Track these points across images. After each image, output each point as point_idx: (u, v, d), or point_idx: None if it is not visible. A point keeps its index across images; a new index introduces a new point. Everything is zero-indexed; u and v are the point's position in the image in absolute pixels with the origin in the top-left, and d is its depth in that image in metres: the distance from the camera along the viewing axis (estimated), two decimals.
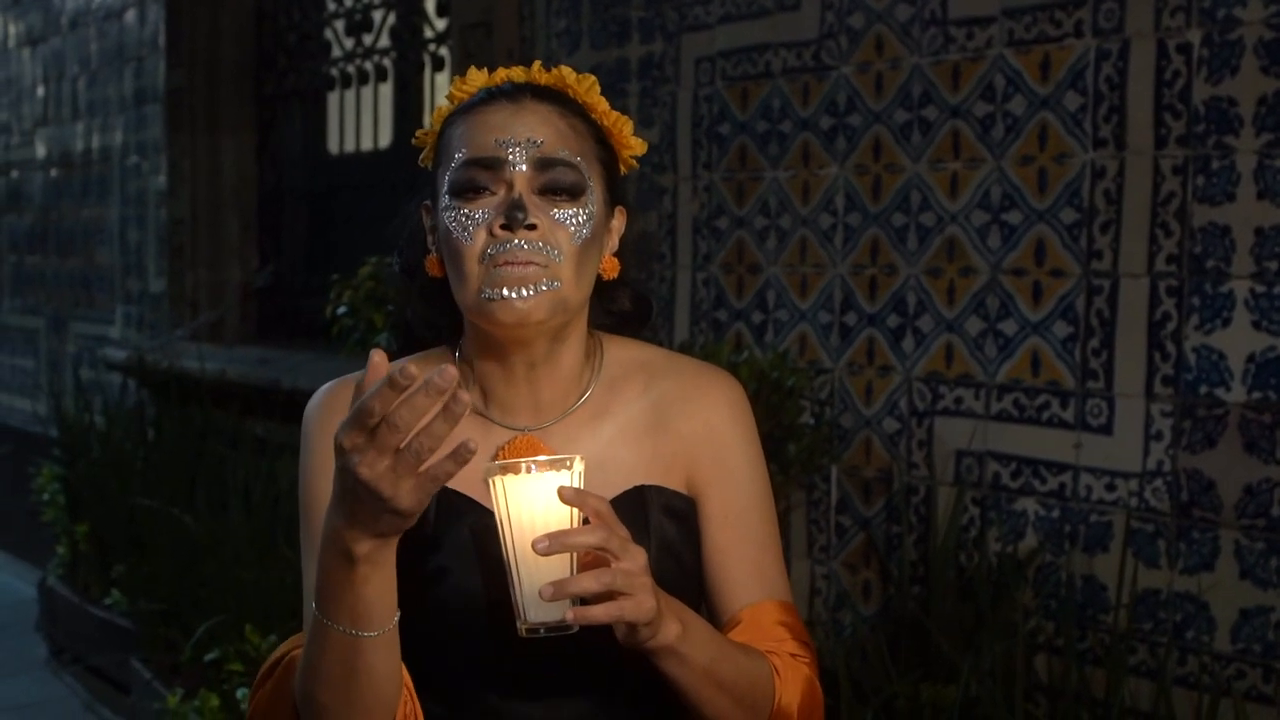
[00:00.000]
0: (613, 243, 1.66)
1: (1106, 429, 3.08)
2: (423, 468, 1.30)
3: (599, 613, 1.37)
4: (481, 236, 1.54)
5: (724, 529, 1.64)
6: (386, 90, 5.87)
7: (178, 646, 4.68)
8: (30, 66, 7.98)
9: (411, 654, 1.54)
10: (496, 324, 1.54)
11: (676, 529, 1.62)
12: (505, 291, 1.51)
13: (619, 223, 1.67)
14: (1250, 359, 2.85)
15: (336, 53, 6.17)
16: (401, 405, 1.27)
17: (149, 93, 6.77)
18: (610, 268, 1.65)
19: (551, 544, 1.36)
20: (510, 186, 1.55)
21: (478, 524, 1.57)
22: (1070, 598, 3.10)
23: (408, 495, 1.31)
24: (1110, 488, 3.08)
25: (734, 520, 1.64)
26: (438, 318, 1.68)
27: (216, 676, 4.06)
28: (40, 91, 7.87)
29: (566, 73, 1.65)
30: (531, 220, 1.53)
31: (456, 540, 1.58)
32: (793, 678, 1.59)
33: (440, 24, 5.48)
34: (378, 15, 5.89)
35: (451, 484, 1.58)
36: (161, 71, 6.61)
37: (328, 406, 1.65)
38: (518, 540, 1.39)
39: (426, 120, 5.65)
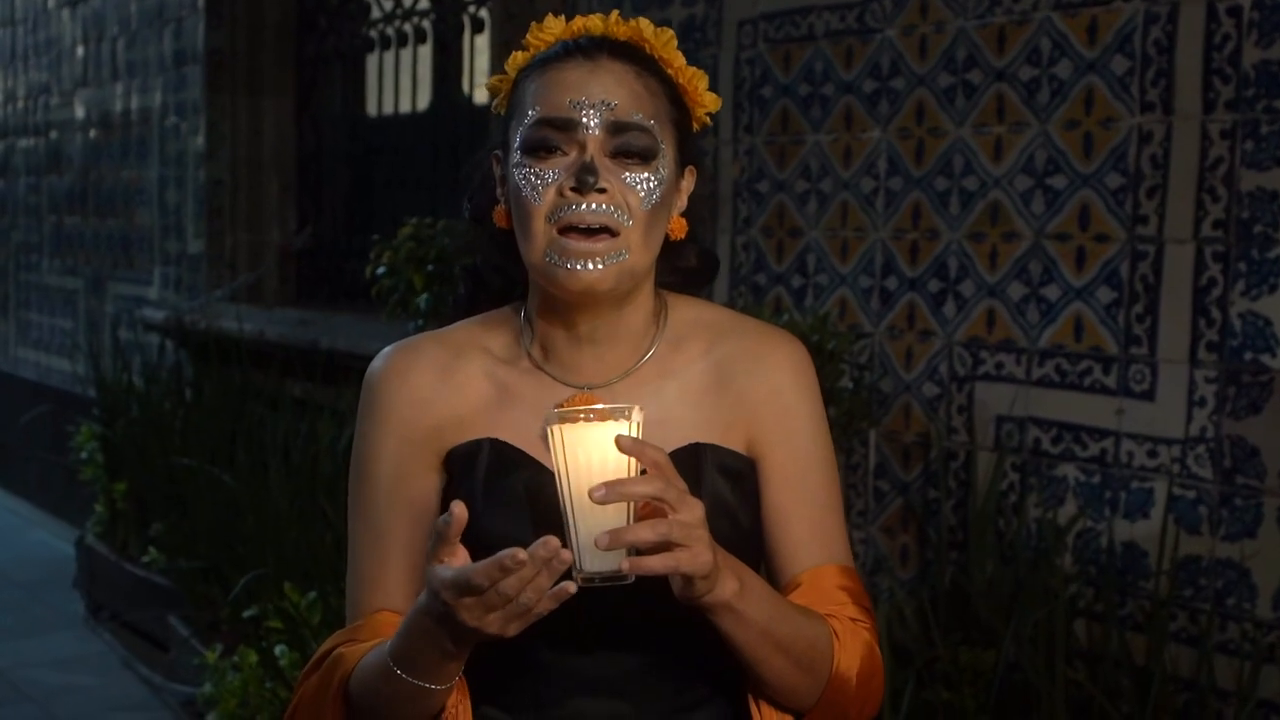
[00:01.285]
0: (682, 202, 1.65)
1: (1149, 395, 3.07)
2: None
3: (655, 563, 1.36)
4: (550, 196, 1.53)
5: (784, 490, 1.62)
6: (426, 52, 5.87)
7: (216, 604, 4.71)
8: (70, 27, 7.99)
9: None
10: (561, 289, 1.55)
11: (731, 489, 1.61)
12: (572, 262, 1.52)
13: (689, 182, 1.66)
14: None
15: (376, 14, 6.16)
16: (510, 579, 1.35)
17: (188, 54, 6.77)
18: (679, 228, 1.64)
19: (608, 493, 1.35)
20: (583, 148, 1.54)
21: (532, 479, 1.57)
22: (1111, 564, 3.09)
23: (514, 628, 1.39)
24: (1152, 454, 3.06)
25: (795, 482, 1.63)
26: (508, 266, 1.67)
27: (255, 633, 4.09)
28: (80, 52, 7.88)
29: (644, 25, 1.63)
30: (602, 184, 1.52)
31: (509, 494, 1.57)
32: (852, 643, 1.58)
33: None
34: None
35: (506, 438, 1.60)
36: (201, 32, 6.61)
37: (389, 374, 1.66)
38: (575, 489, 1.38)
39: (465, 83, 5.67)
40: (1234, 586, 2.94)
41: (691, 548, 1.37)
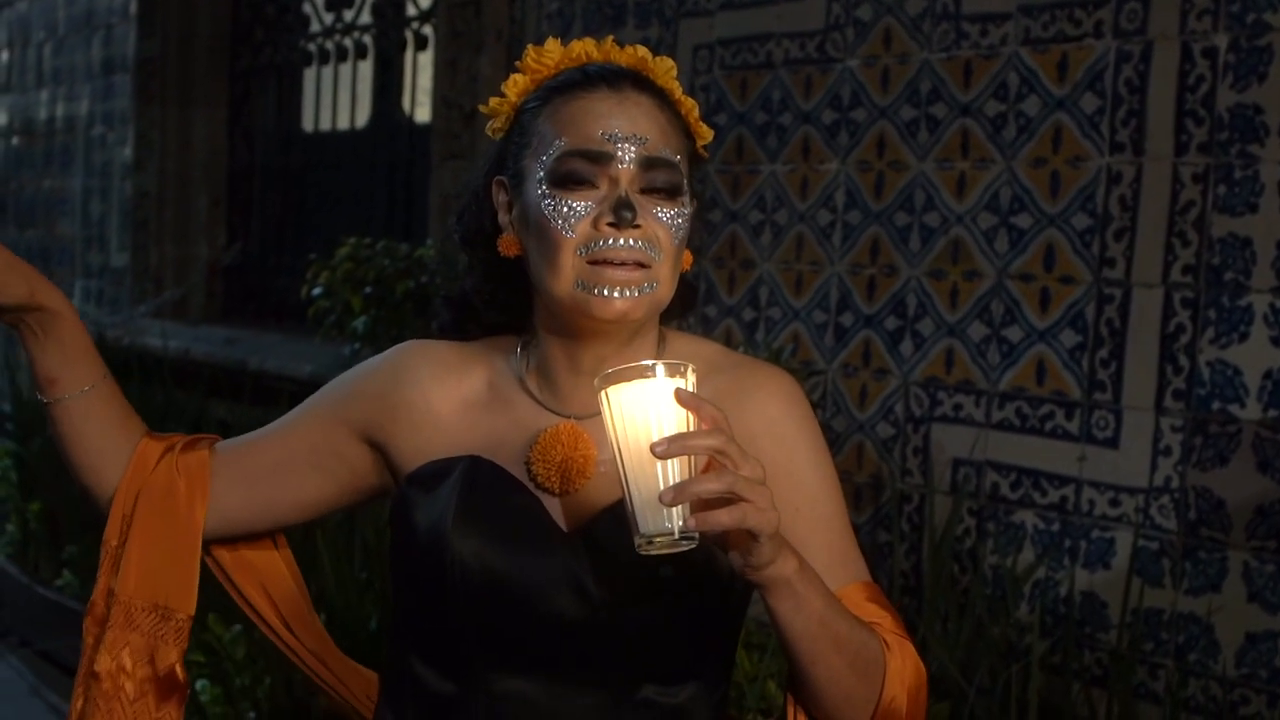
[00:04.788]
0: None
1: (1113, 442, 2.99)
2: None
3: (723, 516, 1.31)
4: (584, 230, 1.50)
5: (798, 520, 1.56)
6: (366, 68, 5.73)
7: None
8: None
9: (426, 628, 1.56)
10: (592, 318, 1.51)
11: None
12: (607, 290, 1.48)
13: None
14: (1268, 375, 2.76)
15: (315, 28, 6.03)
16: None
17: (118, 62, 6.60)
18: (687, 262, 1.61)
19: (670, 446, 1.31)
20: (615, 182, 1.50)
21: (517, 502, 1.54)
22: (1070, 615, 3.01)
23: None
24: (1114, 503, 2.99)
25: (807, 510, 1.57)
26: (504, 295, 1.63)
27: None
28: (4, 57, 7.69)
29: (644, 54, 1.59)
30: (639, 220, 1.49)
31: (492, 516, 1.53)
32: (902, 655, 1.51)
33: (425, 1, 5.34)
34: None
35: (495, 457, 1.57)
36: (132, 40, 6.45)
37: (394, 353, 1.67)
38: (634, 447, 1.34)
39: (407, 100, 5.54)
40: (1196, 642, 2.86)
41: (757, 502, 1.32)
